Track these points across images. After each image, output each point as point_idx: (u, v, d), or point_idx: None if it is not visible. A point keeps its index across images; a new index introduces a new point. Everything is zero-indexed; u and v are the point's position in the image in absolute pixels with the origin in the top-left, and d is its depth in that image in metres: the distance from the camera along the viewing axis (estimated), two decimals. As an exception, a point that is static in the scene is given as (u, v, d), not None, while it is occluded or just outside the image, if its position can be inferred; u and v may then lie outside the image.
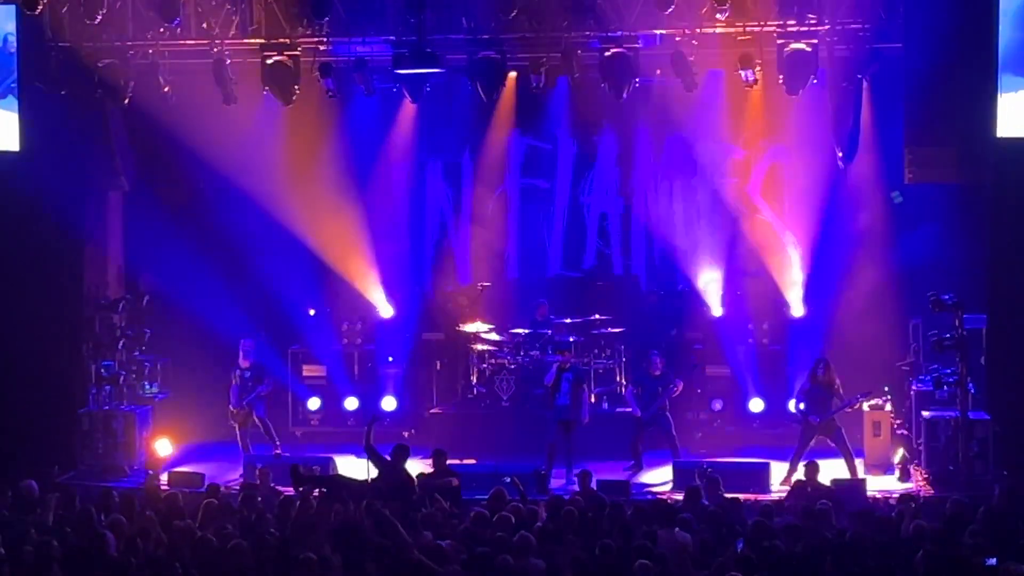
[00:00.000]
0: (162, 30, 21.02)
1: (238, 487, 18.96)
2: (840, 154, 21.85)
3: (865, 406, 21.34)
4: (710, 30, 20.53)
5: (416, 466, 18.99)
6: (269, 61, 21.12)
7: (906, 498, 17.21)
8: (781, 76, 20.76)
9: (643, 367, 21.89)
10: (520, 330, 23.53)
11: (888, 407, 21.56)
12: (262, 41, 21.15)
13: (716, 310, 23.75)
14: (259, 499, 16.71)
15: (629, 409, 21.85)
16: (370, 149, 24.26)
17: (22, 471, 18.07)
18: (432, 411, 23.66)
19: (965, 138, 19.99)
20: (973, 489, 18.86)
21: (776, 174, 24.05)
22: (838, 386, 20.62)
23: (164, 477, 20.63)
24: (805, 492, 17.87)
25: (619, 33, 20.65)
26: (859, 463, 20.64)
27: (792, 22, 20.35)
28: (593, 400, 22.86)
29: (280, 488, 18.43)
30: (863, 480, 19.77)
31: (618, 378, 23.49)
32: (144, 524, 14.91)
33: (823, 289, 23.07)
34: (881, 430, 21.47)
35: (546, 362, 22.35)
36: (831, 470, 19.62)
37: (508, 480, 17.22)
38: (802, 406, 20.66)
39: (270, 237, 23.61)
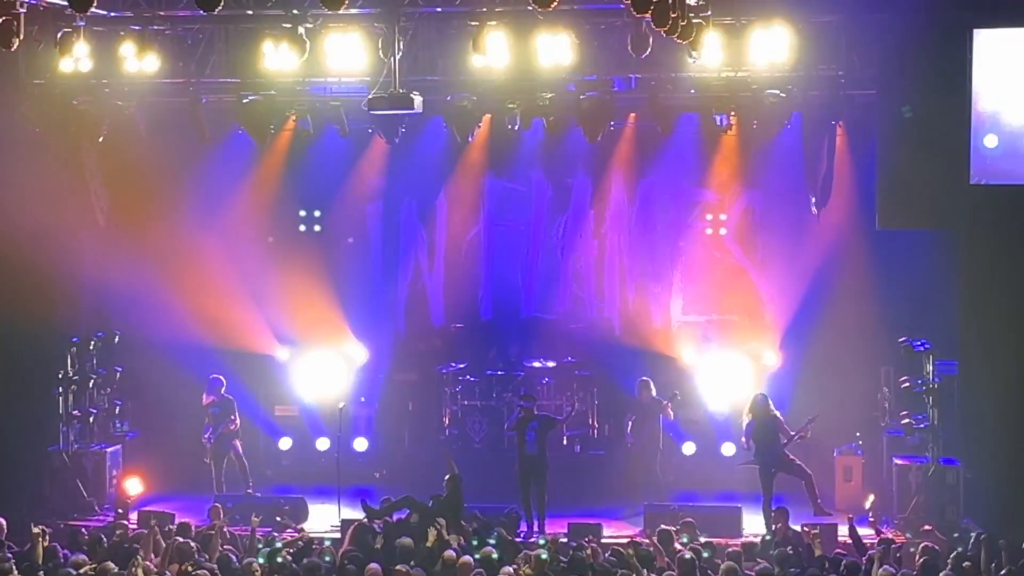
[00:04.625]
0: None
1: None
2: (813, 199, 21.90)
3: (834, 451, 21.40)
4: (685, 75, 20.57)
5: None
6: (244, 100, 21.09)
7: (877, 543, 17.19)
8: (755, 121, 20.86)
9: (634, 397, 21.86)
10: (493, 372, 23.49)
11: (859, 453, 21.59)
12: (238, 80, 21.13)
13: (689, 354, 23.75)
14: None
15: (601, 452, 21.83)
16: (343, 189, 24.23)
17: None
18: (404, 452, 23.59)
19: (938, 185, 20.00)
20: (944, 535, 18.87)
21: (749, 218, 24.12)
22: (781, 419, 20.58)
23: (134, 516, 20.50)
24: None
25: (594, 76, 20.69)
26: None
27: (766, 68, 20.42)
28: (565, 443, 22.84)
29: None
30: (835, 523, 19.69)
31: (591, 421, 23.45)
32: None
33: (796, 333, 23.10)
34: (853, 475, 21.50)
35: (513, 408, 22.26)
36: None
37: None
38: (750, 445, 20.60)
39: (242, 274, 23.54)
